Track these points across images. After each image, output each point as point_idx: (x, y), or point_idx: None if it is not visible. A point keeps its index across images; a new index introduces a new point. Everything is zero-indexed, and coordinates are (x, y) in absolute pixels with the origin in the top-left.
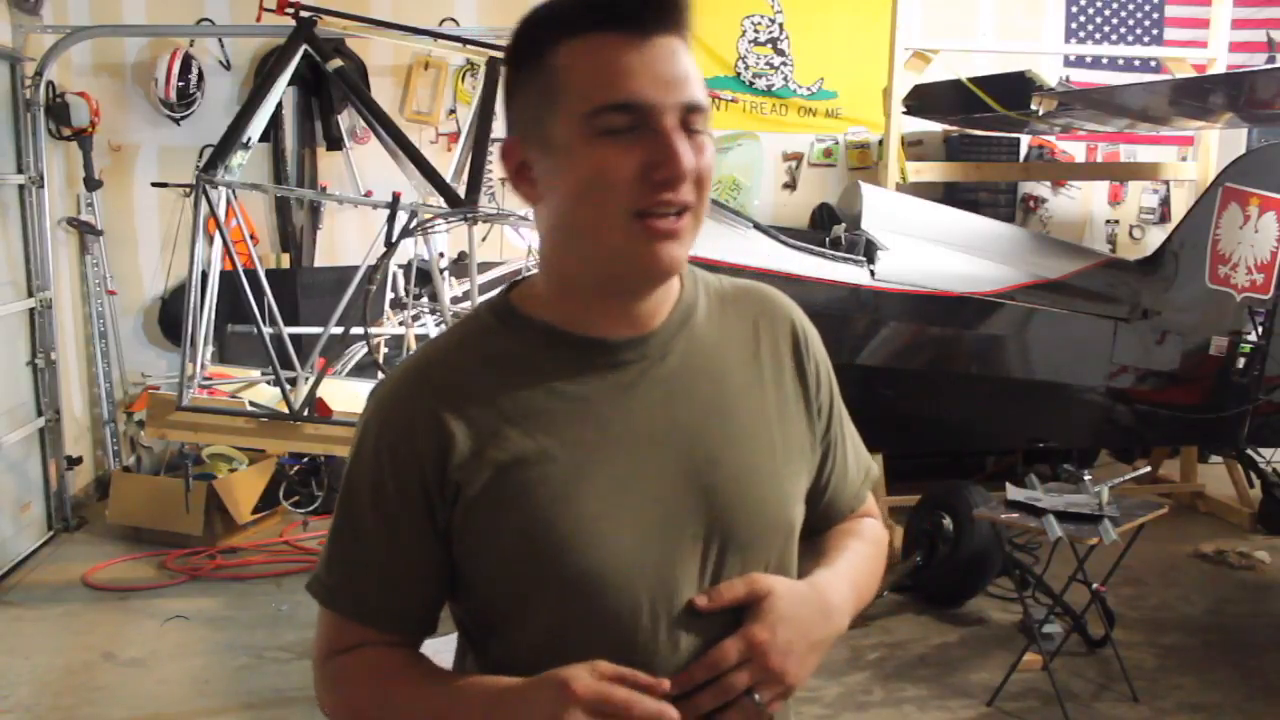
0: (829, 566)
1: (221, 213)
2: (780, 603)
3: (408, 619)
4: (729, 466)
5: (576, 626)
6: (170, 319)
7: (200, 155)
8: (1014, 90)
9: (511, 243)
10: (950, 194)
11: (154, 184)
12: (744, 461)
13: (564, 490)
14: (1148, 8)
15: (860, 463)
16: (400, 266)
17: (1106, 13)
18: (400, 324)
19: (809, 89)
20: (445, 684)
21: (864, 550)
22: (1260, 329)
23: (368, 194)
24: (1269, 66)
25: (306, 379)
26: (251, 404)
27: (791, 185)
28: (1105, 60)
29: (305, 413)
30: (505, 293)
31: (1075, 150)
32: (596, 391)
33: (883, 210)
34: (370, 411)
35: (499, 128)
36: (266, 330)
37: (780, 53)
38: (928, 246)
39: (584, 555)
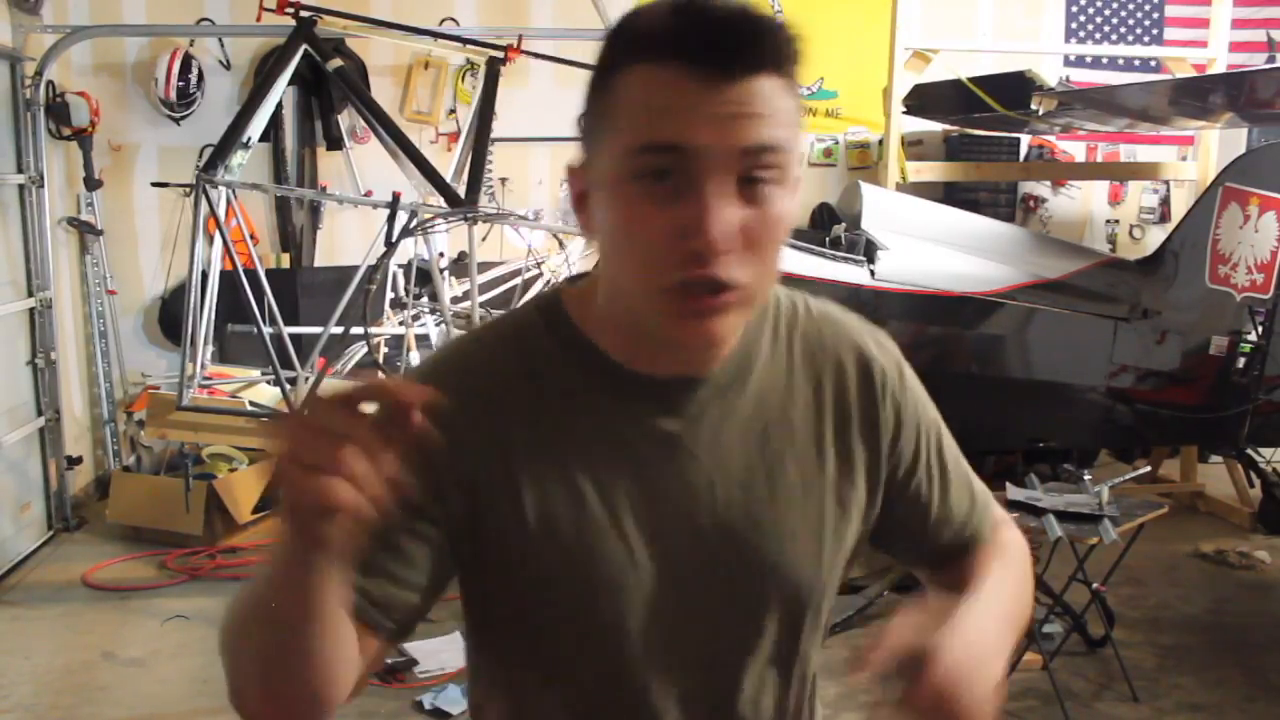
0: (972, 612)
1: (221, 212)
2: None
3: (380, 612)
4: (769, 528)
5: (588, 668)
6: (170, 319)
7: (200, 155)
8: (1014, 90)
9: (511, 243)
10: (950, 194)
11: (154, 184)
12: (786, 526)
13: (593, 534)
14: (1148, 8)
15: (970, 490)
16: (400, 266)
17: (1106, 13)
18: (400, 324)
19: (809, 89)
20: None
21: (1003, 575)
22: (1260, 329)
23: (368, 194)
24: (1269, 66)
25: (306, 379)
26: (251, 404)
27: None
28: (1105, 60)
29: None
30: (558, 293)
31: (1075, 150)
32: (638, 435)
33: (883, 210)
34: None
35: (499, 127)
36: (266, 330)
37: None
38: (928, 246)
39: (607, 605)
